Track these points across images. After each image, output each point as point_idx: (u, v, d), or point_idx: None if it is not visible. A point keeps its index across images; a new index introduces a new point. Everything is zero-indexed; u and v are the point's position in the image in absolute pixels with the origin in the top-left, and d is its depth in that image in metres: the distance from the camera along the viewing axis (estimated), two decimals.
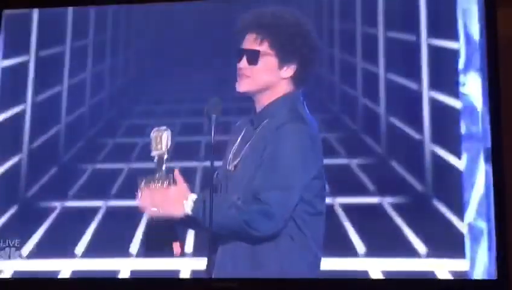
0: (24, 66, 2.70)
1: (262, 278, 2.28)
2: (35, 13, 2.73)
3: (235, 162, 2.32)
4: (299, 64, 2.34)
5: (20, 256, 2.56)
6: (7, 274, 2.55)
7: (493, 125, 2.39)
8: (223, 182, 2.31)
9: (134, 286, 2.48)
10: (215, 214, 2.11)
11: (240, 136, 2.37)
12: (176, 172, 2.16)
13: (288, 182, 2.18)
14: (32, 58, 2.70)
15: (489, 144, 2.38)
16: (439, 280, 2.34)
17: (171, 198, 2.18)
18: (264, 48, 2.34)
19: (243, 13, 2.39)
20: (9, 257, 2.55)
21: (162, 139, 2.16)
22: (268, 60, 2.34)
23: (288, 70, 2.34)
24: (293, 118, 2.21)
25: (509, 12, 2.52)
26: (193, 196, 2.15)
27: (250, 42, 2.35)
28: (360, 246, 2.37)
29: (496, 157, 2.37)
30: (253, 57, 2.34)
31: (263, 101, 2.34)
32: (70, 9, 2.71)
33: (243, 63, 2.33)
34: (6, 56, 2.71)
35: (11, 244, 2.56)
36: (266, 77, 2.34)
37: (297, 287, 2.34)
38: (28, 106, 2.68)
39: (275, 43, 2.33)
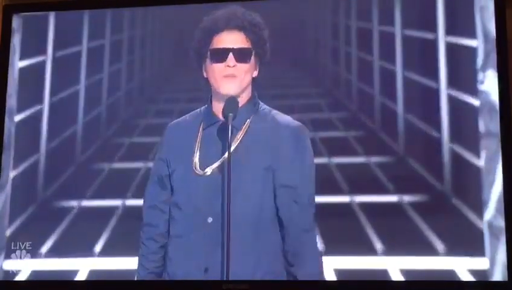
0: (41, 66, 2.71)
1: (273, 280, 2.27)
2: (52, 15, 2.74)
3: (215, 165, 2.29)
4: (261, 66, 2.33)
5: (34, 257, 2.56)
6: (21, 275, 2.56)
7: (503, 125, 2.38)
8: (193, 188, 2.28)
9: (146, 287, 2.47)
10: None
11: (200, 140, 2.34)
12: None
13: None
14: (49, 59, 2.71)
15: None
16: (448, 281, 2.33)
17: None
18: (250, 45, 2.32)
19: (212, 11, 2.36)
20: (21, 258, 2.56)
21: None
22: (252, 60, 2.33)
23: (256, 72, 2.34)
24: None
25: None
26: None
27: (239, 40, 2.32)
28: (378, 244, 2.36)
29: (506, 157, 2.36)
30: (245, 56, 2.31)
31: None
32: (86, 11, 2.72)
33: (232, 61, 2.30)
34: (23, 57, 2.72)
35: (27, 247, 2.56)
36: (249, 76, 2.33)
37: (310, 289, 2.33)
38: (45, 106, 2.68)
39: (255, 42, 2.32)
